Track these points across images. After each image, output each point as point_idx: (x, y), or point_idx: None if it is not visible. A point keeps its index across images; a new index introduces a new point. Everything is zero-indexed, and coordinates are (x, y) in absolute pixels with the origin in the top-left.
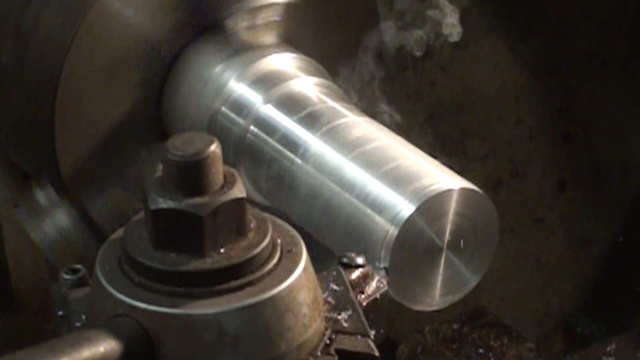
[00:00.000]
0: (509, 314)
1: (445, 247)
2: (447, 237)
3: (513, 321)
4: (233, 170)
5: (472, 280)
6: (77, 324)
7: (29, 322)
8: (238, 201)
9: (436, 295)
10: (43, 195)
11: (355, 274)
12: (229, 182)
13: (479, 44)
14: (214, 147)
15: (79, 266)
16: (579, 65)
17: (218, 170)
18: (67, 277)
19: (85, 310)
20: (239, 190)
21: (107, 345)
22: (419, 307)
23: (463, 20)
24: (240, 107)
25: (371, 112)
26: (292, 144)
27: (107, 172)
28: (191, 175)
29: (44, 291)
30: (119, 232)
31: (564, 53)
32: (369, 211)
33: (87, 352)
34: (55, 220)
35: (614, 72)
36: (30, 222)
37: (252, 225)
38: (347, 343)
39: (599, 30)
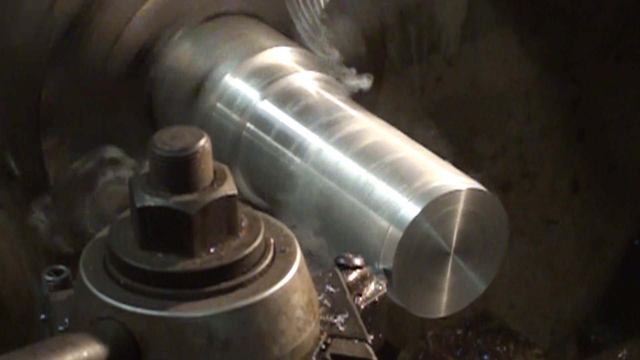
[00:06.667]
0: (519, 321)
1: (452, 250)
2: (454, 240)
3: (524, 328)
4: (224, 166)
5: (480, 286)
6: (60, 328)
7: (13, 328)
8: (229, 199)
9: (442, 301)
10: (28, 197)
11: (353, 275)
12: (219, 178)
13: (487, 37)
14: (204, 142)
15: (62, 267)
16: (592, 59)
17: (208, 166)
18: (49, 278)
19: (69, 313)
20: (229, 187)
21: (91, 349)
22: (423, 314)
23: (471, 12)
24: (236, 103)
25: None
26: (290, 141)
27: (96, 172)
28: (179, 172)
29: (28, 296)
30: (104, 232)
31: (577, 46)
32: (370, 211)
33: (70, 356)
34: (41, 221)
35: (630, 66)
36: (15, 224)
37: (243, 224)
38: (344, 348)
39: (613, 22)
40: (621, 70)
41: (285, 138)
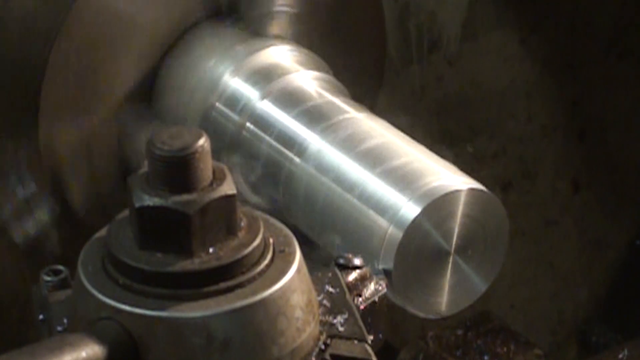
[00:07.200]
0: (519, 322)
1: (452, 251)
2: (454, 240)
3: (524, 329)
4: (223, 165)
5: (480, 287)
6: (59, 328)
7: (12, 329)
8: (228, 198)
9: (442, 302)
10: (24, 192)
11: (353, 275)
12: (218, 178)
13: (488, 37)
14: (203, 142)
15: (60, 267)
16: (594, 58)
17: (207, 165)
18: (47, 278)
19: (67, 313)
20: (228, 187)
21: (90, 350)
22: (424, 314)
23: (471, 12)
24: (235, 102)
25: None
26: (290, 141)
27: (93, 167)
28: (178, 171)
29: (27, 297)
30: (103, 231)
31: (578, 46)
32: (369, 211)
33: (68, 357)
34: (37, 218)
35: (631, 65)
36: (11, 222)
37: (242, 224)
38: (343, 348)
39: (615, 21)
40: (622, 69)
41: (284, 138)
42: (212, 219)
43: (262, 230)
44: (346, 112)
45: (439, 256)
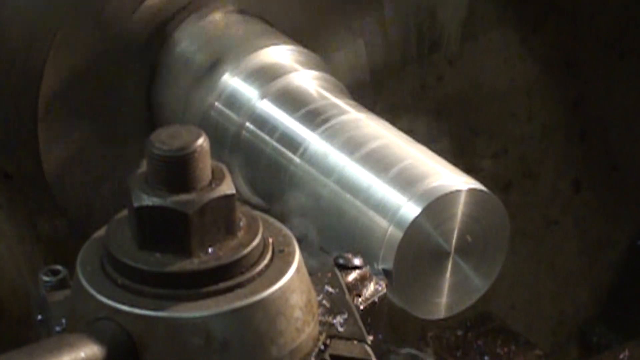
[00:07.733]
0: (520, 322)
1: (452, 251)
2: (454, 240)
3: (525, 330)
4: (222, 165)
5: (481, 287)
6: (57, 328)
7: (11, 330)
8: (227, 198)
9: (442, 302)
10: (25, 197)
11: (352, 275)
12: (217, 178)
13: (488, 36)
14: (202, 141)
15: (59, 267)
16: (595, 57)
17: (206, 165)
18: (46, 279)
19: (66, 313)
20: (227, 187)
21: (89, 350)
22: (423, 315)
23: (472, 11)
24: (235, 102)
25: None
26: (290, 141)
27: (92, 171)
28: (177, 171)
29: (26, 297)
30: (102, 231)
31: (579, 45)
32: (369, 211)
33: (67, 357)
34: (37, 221)
35: (633, 65)
36: (12, 224)
37: (241, 224)
38: (343, 348)
39: (616, 20)
40: (624, 69)
41: (284, 137)
42: (211, 218)
43: (261, 230)
44: (346, 111)
45: (439, 256)
